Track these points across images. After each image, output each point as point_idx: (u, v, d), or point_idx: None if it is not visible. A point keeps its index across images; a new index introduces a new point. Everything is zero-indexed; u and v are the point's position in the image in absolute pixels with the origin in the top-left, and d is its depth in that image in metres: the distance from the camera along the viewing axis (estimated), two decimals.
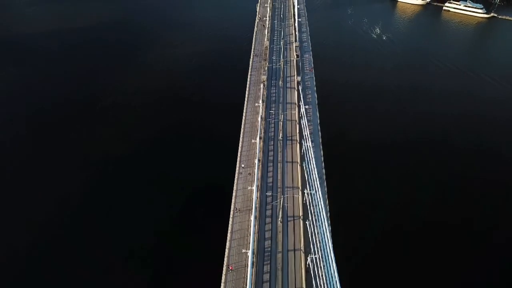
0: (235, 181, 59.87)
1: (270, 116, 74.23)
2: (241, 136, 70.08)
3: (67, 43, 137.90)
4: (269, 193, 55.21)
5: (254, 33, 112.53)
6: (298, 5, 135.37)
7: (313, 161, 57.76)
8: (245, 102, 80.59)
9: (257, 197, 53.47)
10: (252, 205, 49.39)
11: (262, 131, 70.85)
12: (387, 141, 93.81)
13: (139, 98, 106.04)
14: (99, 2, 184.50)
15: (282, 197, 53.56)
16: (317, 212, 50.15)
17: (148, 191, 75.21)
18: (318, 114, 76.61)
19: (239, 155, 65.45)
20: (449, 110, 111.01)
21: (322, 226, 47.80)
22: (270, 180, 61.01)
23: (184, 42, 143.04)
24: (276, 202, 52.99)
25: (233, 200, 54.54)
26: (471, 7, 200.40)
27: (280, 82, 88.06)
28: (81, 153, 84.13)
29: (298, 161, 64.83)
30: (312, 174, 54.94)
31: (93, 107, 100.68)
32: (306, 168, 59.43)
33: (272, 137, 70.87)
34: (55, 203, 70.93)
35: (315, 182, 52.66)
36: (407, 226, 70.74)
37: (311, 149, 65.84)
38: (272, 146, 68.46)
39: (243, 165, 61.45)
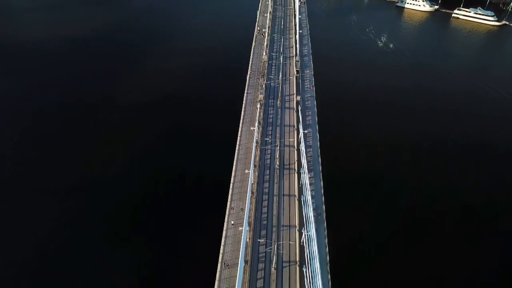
0: (226, 218, 55.76)
1: (266, 144, 70.00)
2: (234, 164, 66.05)
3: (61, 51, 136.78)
4: (262, 240, 50.88)
5: (252, 47, 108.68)
6: (299, 14, 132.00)
7: (310, 197, 53.63)
8: (240, 124, 76.69)
9: (247, 242, 49.47)
10: (240, 256, 44.79)
11: (257, 158, 67.03)
12: (395, 173, 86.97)
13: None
14: (92, 11, 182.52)
15: (276, 243, 49.26)
16: (315, 256, 45.85)
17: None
18: (318, 139, 72.43)
19: (231, 187, 61.41)
20: (465, 133, 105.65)
21: (321, 273, 43.59)
22: (264, 216, 56.89)
23: (177, 54, 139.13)
24: (270, 249, 48.73)
25: (221, 251, 50.16)
26: (482, 14, 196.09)
27: (278, 102, 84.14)
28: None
29: (296, 194, 60.73)
30: (310, 212, 50.62)
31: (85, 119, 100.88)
32: (304, 202, 55.34)
33: (268, 165, 66.80)
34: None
35: (313, 224, 48.34)
36: (416, 275, 65.75)
37: (311, 179, 62.43)
38: (267, 176, 64.33)
39: (233, 207, 57.08)
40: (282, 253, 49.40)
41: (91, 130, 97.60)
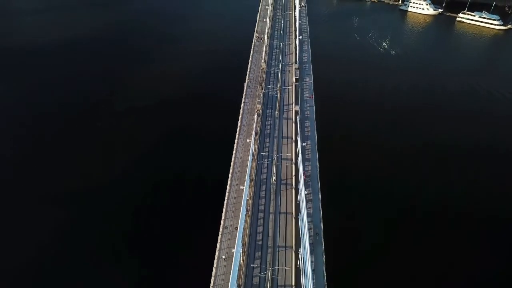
0: (219, 238, 53.75)
1: (263, 158, 67.98)
2: (229, 179, 64.08)
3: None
4: (255, 265, 48.74)
5: (251, 54, 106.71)
6: (300, 19, 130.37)
7: (306, 217, 51.60)
8: (237, 136, 74.77)
9: (240, 264, 47.42)
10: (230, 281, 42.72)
11: (253, 173, 65.04)
12: (400, 190, 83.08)
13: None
14: (92, 13, 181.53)
15: (271, 268, 47.18)
16: (312, 284, 43.76)
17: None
18: (317, 152, 70.37)
19: (225, 203, 59.43)
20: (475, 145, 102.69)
21: None
22: (259, 236, 54.84)
23: (173, 60, 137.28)
24: (265, 274, 46.64)
25: (213, 273, 48.09)
26: (487, 18, 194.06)
27: (277, 112, 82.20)
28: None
29: (293, 212, 58.70)
30: (306, 234, 48.54)
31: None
32: (301, 221, 53.29)
33: (265, 180, 64.77)
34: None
35: (308, 248, 46.23)
36: None
37: (309, 196, 60.40)
38: (264, 192, 62.31)
39: (227, 226, 55.06)
40: (277, 278, 47.28)
41: (88, 132, 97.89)
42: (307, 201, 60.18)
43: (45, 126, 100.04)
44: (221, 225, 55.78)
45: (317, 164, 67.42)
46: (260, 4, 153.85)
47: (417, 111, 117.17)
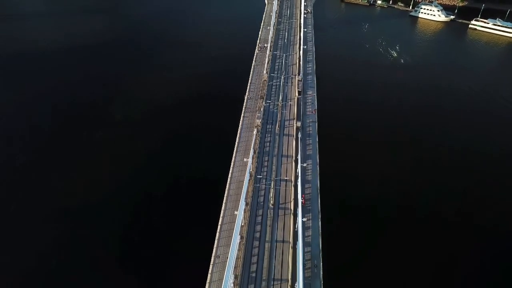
0: (210, 269, 51.07)
1: (261, 180, 65.27)
2: (224, 202, 61.50)
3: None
4: None
5: (252, 66, 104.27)
6: (305, 28, 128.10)
7: (302, 247, 48.78)
8: (234, 154, 72.27)
9: None
10: None
11: (249, 195, 62.36)
12: (406, 216, 78.69)
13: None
14: (91, 19, 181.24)
15: None
16: None
17: None
18: (318, 173, 67.42)
19: (218, 229, 56.82)
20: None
21: None
22: (254, 267, 52.03)
23: (170, 70, 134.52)
24: None
25: None
26: (501, 26, 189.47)
27: (277, 128, 79.60)
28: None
29: (290, 240, 55.81)
30: (300, 267, 45.57)
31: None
32: (298, 251, 50.33)
33: (262, 204, 62.03)
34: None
35: (301, 282, 43.29)
36: None
37: (308, 222, 57.54)
38: (260, 218, 59.54)
39: (219, 255, 52.38)
40: None
41: (82, 145, 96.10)
42: (306, 228, 57.60)
43: (49, 125, 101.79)
44: (213, 254, 53.14)
45: (318, 186, 64.46)
46: (265, 11, 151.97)
47: (431, 131, 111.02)
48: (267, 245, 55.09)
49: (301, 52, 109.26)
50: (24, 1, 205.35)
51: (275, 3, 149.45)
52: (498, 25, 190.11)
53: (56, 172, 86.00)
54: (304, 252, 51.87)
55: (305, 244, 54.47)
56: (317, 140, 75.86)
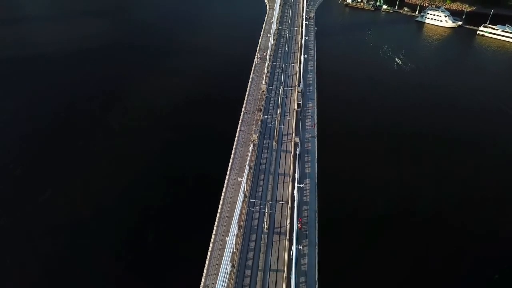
0: None
1: (255, 203, 62.34)
2: (215, 226, 58.65)
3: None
4: None
5: (251, 77, 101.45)
6: (306, 35, 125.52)
7: (294, 277, 45.85)
8: (228, 172, 69.51)
9: None
10: None
11: (242, 218, 59.46)
12: (410, 245, 74.54)
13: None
14: (92, 23, 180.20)
15: None
16: None
17: None
18: (317, 194, 64.37)
19: (208, 256, 53.96)
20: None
21: None
22: None
23: (165, 78, 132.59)
24: None
25: None
26: (511, 32, 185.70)
27: (274, 143, 76.76)
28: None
29: (285, 269, 52.73)
30: None
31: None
32: (291, 282, 47.31)
33: (255, 228, 59.08)
34: None
35: None
36: None
37: (304, 249, 54.57)
38: (253, 244, 56.58)
39: (208, 285, 49.50)
40: None
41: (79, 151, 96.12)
42: (301, 255, 54.67)
43: (51, 125, 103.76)
44: (202, 285, 50.24)
45: (316, 209, 61.43)
46: (266, 18, 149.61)
47: (442, 145, 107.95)
48: (259, 275, 52.07)
49: (302, 61, 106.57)
50: (30, 4, 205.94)
51: (277, 9, 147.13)
52: (507, 32, 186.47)
53: (56, 172, 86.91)
54: (298, 283, 49.29)
55: (300, 274, 51.74)
56: (316, 156, 72.86)
